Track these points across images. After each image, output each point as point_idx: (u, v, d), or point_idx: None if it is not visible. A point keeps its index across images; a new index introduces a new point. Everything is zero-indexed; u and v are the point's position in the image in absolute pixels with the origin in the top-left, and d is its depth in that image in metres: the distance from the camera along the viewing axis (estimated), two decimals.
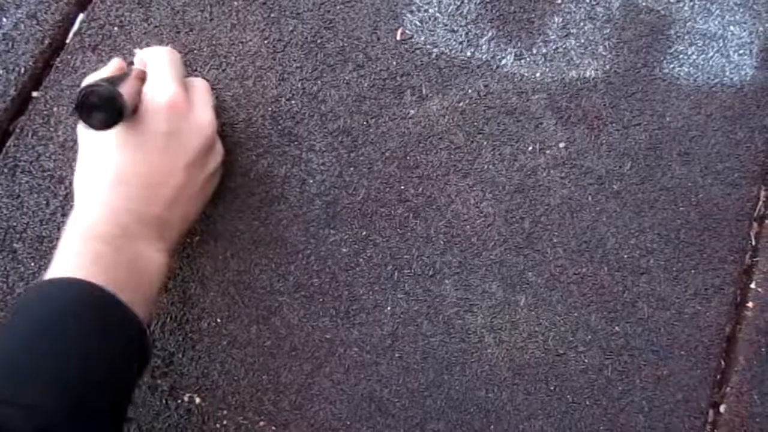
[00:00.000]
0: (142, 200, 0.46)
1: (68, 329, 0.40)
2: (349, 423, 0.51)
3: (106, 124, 0.43)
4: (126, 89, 0.45)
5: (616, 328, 0.52)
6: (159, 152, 0.47)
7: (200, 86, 0.52)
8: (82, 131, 0.49)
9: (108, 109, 0.43)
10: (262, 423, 0.51)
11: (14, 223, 0.55)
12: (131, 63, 0.53)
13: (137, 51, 0.53)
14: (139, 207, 0.46)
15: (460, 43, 0.58)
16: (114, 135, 0.46)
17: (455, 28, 0.59)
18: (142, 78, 0.49)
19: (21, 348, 0.39)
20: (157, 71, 0.49)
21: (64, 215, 0.55)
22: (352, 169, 0.55)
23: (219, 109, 0.56)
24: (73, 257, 0.43)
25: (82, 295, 0.41)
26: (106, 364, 0.41)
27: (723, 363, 0.52)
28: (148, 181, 0.46)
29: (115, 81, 0.45)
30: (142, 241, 0.46)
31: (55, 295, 0.41)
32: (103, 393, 0.40)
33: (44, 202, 0.55)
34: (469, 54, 0.58)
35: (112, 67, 0.51)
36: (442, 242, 0.54)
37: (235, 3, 0.60)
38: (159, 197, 0.47)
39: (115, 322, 0.42)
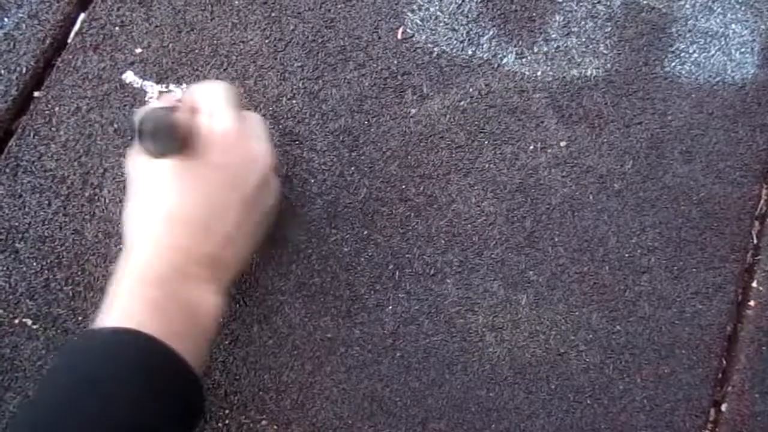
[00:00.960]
0: (197, 239, 0.44)
1: (119, 389, 0.37)
2: (350, 422, 0.51)
3: (164, 152, 0.42)
4: (183, 119, 0.44)
5: (618, 327, 0.52)
6: (214, 188, 0.45)
7: (254, 119, 0.49)
8: (136, 164, 0.47)
9: (166, 136, 0.42)
10: (264, 422, 0.51)
11: (16, 223, 0.55)
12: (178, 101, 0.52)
13: (188, 88, 0.51)
14: (192, 246, 0.43)
15: (461, 41, 0.58)
16: (168, 168, 0.44)
17: (456, 27, 0.59)
18: (194, 110, 0.47)
19: (56, 414, 0.36)
20: (213, 104, 0.47)
21: (66, 215, 0.55)
22: (353, 168, 0.56)
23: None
24: (124, 304, 0.41)
25: (134, 349, 0.38)
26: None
27: (724, 362, 0.52)
28: (202, 219, 0.44)
29: (169, 110, 0.44)
30: (196, 284, 0.43)
31: (103, 349, 0.38)
32: None
33: (46, 201, 0.55)
34: (470, 53, 0.58)
35: (163, 101, 0.49)
36: (443, 241, 0.54)
37: (236, 2, 0.60)
38: (214, 236, 0.44)
39: (167, 380, 0.39)
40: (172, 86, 0.58)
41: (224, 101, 0.47)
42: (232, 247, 0.46)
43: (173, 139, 0.42)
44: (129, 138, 0.42)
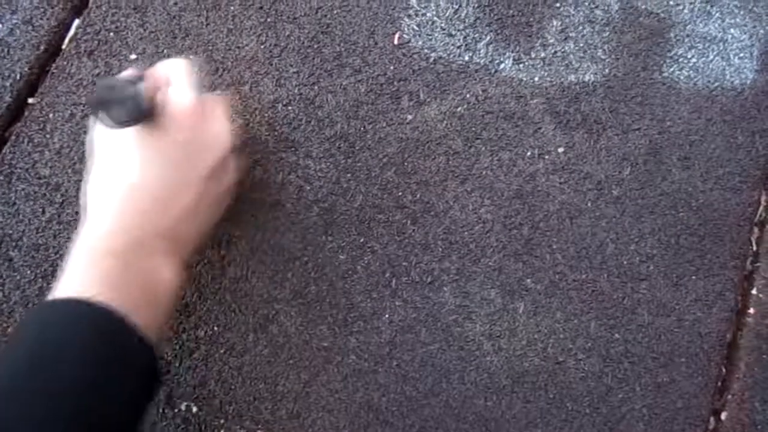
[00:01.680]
0: (157, 213, 0.44)
1: (67, 363, 0.37)
2: (347, 431, 0.50)
3: (125, 121, 0.42)
4: (148, 91, 0.44)
5: (616, 335, 0.52)
6: (176, 162, 0.45)
7: (217, 100, 0.50)
8: (98, 136, 0.47)
9: (128, 105, 0.41)
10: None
11: (10, 231, 0.54)
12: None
13: (158, 64, 0.51)
14: (153, 220, 0.44)
15: (458, 47, 0.58)
16: (130, 142, 0.45)
17: (453, 33, 0.58)
18: (158, 84, 0.48)
19: (12, 386, 0.36)
20: (176, 80, 0.47)
21: (60, 223, 0.54)
22: (349, 175, 0.55)
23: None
24: (82, 274, 0.41)
25: (87, 320, 0.39)
26: (111, 402, 0.38)
27: (724, 370, 0.52)
28: (163, 193, 0.45)
29: (132, 81, 0.44)
30: (156, 256, 0.44)
31: (56, 321, 0.39)
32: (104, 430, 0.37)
33: (40, 209, 0.55)
34: (467, 58, 0.58)
35: (129, 70, 0.49)
36: (440, 249, 0.54)
37: (232, 8, 0.60)
38: (174, 210, 0.45)
39: (124, 350, 0.39)
40: None
41: (187, 78, 0.48)
42: (191, 222, 0.46)
43: (135, 109, 0.42)
44: (91, 109, 0.42)
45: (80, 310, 0.39)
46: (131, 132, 0.44)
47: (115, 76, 0.46)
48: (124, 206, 0.44)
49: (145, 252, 0.43)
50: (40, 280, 0.53)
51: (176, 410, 0.51)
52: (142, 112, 0.43)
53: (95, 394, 0.37)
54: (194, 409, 0.51)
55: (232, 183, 0.51)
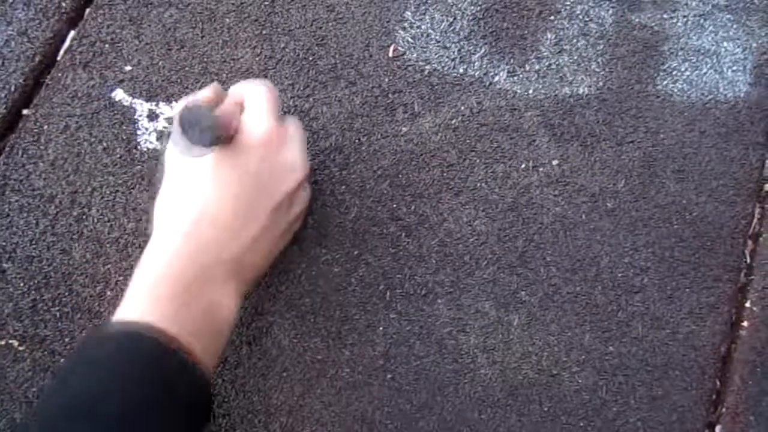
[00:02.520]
0: (223, 241, 0.44)
1: (118, 398, 0.36)
2: None
3: (204, 144, 0.41)
4: (225, 117, 0.44)
5: (611, 347, 0.52)
6: (247, 190, 0.45)
7: (294, 126, 0.49)
8: (173, 156, 0.47)
9: (207, 129, 0.41)
10: None
11: (3, 243, 0.54)
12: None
13: (234, 86, 0.50)
14: (218, 248, 0.43)
15: (453, 59, 0.58)
16: (204, 165, 0.44)
17: (448, 45, 0.59)
18: (239, 107, 0.47)
19: (66, 409, 0.36)
20: (255, 105, 0.47)
21: (54, 235, 0.54)
22: (343, 187, 0.55)
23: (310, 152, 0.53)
24: (145, 297, 0.41)
25: (146, 350, 0.38)
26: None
27: (718, 383, 0.52)
28: (230, 222, 0.44)
29: (211, 107, 0.43)
30: (218, 285, 0.43)
31: (114, 349, 0.38)
32: None
33: (34, 221, 0.55)
34: (461, 71, 0.58)
35: (208, 90, 0.48)
36: (434, 261, 0.53)
37: (227, 20, 0.60)
38: (241, 239, 0.44)
39: (181, 380, 0.39)
40: (161, 105, 0.57)
41: (267, 104, 0.47)
42: (257, 252, 0.46)
43: (213, 136, 0.42)
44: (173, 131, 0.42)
45: (140, 338, 0.38)
46: (207, 157, 0.44)
47: (194, 100, 0.45)
48: (191, 231, 0.43)
49: (209, 280, 0.43)
50: (33, 292, 0.53)
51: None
52: (218, 141, 0.42)
53: (153, 423, 0.37)
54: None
55: (302, 213, 0.50)
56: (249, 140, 0.45)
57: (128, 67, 0.59)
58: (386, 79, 0.58)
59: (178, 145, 0.42)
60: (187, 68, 0.58)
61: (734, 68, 0.57)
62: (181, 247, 0.43)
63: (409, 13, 0.59)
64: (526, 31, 0.59)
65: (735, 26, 0.58)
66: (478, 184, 0.55)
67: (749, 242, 0.54)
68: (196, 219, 0.44)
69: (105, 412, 0.36)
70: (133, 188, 0.55)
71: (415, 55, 0.58)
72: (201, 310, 0.42)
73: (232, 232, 0.44)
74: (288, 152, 0.47)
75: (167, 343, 0.39)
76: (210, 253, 0.43)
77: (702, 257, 0.53)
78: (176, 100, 0.57)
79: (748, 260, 0.54)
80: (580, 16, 0.59)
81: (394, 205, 0.55)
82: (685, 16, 0.59)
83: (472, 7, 0.59)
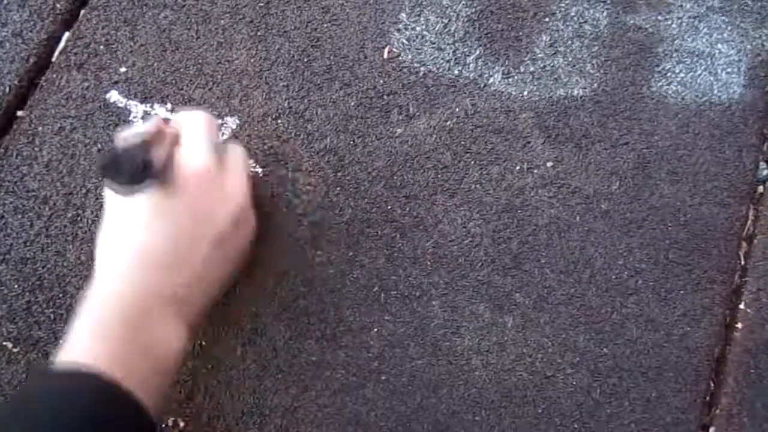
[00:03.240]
0: (164, 278, 0.43)
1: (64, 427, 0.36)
2: None
3: (130, 189, 0.41)
4: (158, 154, 0.43)
5: (605, 349, 0.52)
6: (185, 225, 0.44)
7: (235, 155, 0.49)
8: (108, 193, 0.46)
9: (135, 172, 0.41)
10: None
11: None
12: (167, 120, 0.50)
13: (176, 115, 0.50)
14: (159, 286, 0.43)
15: (448, 61, 0.58)
16: (138, 203, 0.44)
17: (442, 47, 0.59)
18: (174, 141, 0.46)
19: None
20: (191, 137, 0.46)
21: (49, 236, 0.54)
22: (338, 189, 0.55)
23: (253, 176, 0.53)
24: (88, 339, 0.40)
25: (89, 394, 0.37)
26: None
27: (712, 385, 0.52)
28: (169, 258, 0.43)
29: (146, 144, 0.43)
30: (160, 324, 0.42)
31: (57, 393, 0.37)
32: None
33: (28, 223, 0.55)
34: (456, 72, 0.58)
35: (149, 125, 0.47)
36: (429, 263, 0.53)
37: (222, 21, 0.60)
38: (181, 275, 0.44)
39: (122, 417, 0.38)
40: (156, 106, 0.57)
41: (204, 134, 0.47)
42: (200, 286, 0.45)
43: (137, 177, 0.41)
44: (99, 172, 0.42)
45: (83, 382, 0.38)
46: (141, 196, 0.43)
47: (124, 137, 0.44)
48: (131, 274, 0.43)
49: (151, 321, 0.42)
50: (27, 294, 0.53)
51: (163, 426, 0.51)
52: (150, 179, 0.42)
53: None
54: (181, 424, 0.51)
55: (248, 239, 0.49)
56: (185, 173, 0.44)
57: (123, 69, 0.59)
58: (381, 81, 0.58)
59: (110, 186, 0.42)
60: (182, 70, 0.58)
61: (728, 70, 0.57)
62: (118, 289, 0.42)
63: (404, 15, 0.59)
64: (520, 33, 0.59)
65: (729, 28, 0.58)
66: (473, 186, 0.55)
67: (743, 244, 0.55)
68: (133, 259, 0.43)
69: None
70: None
71: (410, 56, 0.58)
72: (141, 351, 0.41)
73: (169, 268, 0.43)
74: (227, 182, 0.46)
75: (106, 382, 0.38)
76: (148, 293, 0.42)
77: (696, 259, 0.53)
78: (171, 102, 0.57)
79: (742, 262, 0.54)
80: (575, 18, 0.59)
81: (389, 207, 0.55)
82: (679, 18, 0.59)
83: (467, 9, 0.59)
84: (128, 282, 0.43)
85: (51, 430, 0.36)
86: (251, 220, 0.49)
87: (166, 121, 0.49)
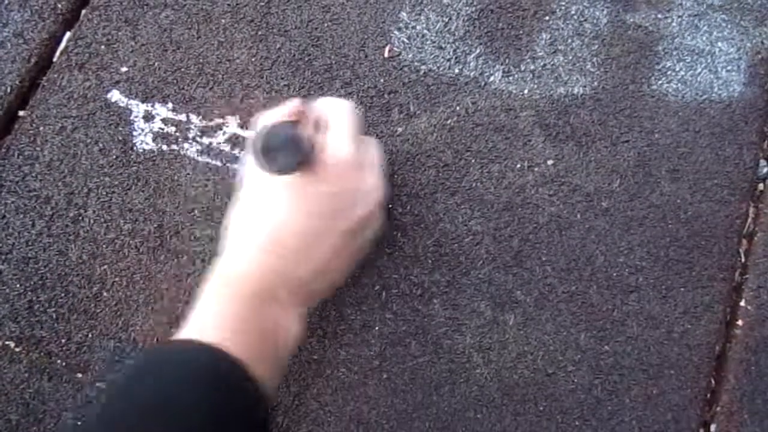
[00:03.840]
0: (294, 263, 0.43)
1: (184, 414, 0.35)
2: None
3: (286, 169, 0.41)
4: (307, 134, 0.43)
5: (606, 347, 0.52)
6: (321, 214, 0.44)
7: (373, 149, 0.48)
8: (250, 172, 0.46)
9: (290, 152, 0.41)
10: None
11: (0, 244, 0.54)
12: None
13: (318, 100, 0.49)
14: (288, 270, 0.43)
15: (448, 60, 0.58)
16: (281, 185, 0.43)
17: (443, 45, 0.59)
18: (317, 126, 0.46)
19: (126, 427, 0.35)
20: (338, 126, 0.46)
21: (50, 236, 0.54)
22: None
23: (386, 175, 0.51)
24: (211, 315, 0.41)
25: (209, 368, 0.37)
26: None
27: (713, 382, 0.52)
28: (303, 244, 0.43)
29: (291, 127, 0.43)
30: (282, 307, 0.43)
31: (177, 366, 0.37)
32: None
33: (30, 222, 0.55)
34: (457, 71, 0.58)
35: (290, 107, 0.46)
36: (430, 261, 0.54)
37: (223, 20, 0.60)
38: (310, 262, 0.44)
39: (243, 405, 0.37)
40: (157, 105, 0.57)
41: (351, 126, 0.46)
42: (325, 275, 0.45)
43: (293, 158, 0.41)
44: (254, 155, 0.41)
45: (203, 356, 0.38)
46: (285, 178, 0.43)
47: (278, 120, 0.44)
48: (263, 254, 0.43)
49: (275, 302, 0.42)
50: (29, 293, 0.53)
51: None
52: (304, 162, 0.42)
53: None
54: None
55: (372, 239, 0.49)
56: (330, 163, 0.44)
57: (124, 68, 0.59)
58: (382, 80, 0.58)
59: (260, 165, 0.42)
60: (183, 69, 0.59)
61: (728, 68, 0.57)
62: (249, 267, 0.43)
63: (405, 14, 0.59)
64: (521, 32, 0.59)
65: (729, 26, 0.59)
66: (474, 184, 0.55)
67: (744, 241, 0.55)
68: (267, 239, 0.43)
69: (175, 414, 0.35)
70: (129, 189, 0.55)
71: (410, 55, 0.58)
72: (262, 331, 0.41)
73: (302, 254, 0.43)
74: (368, 177, 0.46)
75: (229, 361, 0.38)
76: (277, 275, 0.43)
77: (697, 256, 0.54)
78: (173, 101, 0.58)
79: (743, 259, 0.54)
80: (575, 17, 0.59)
81: (390, 205, 0.55)
82: (679, 16, 0.59)
83: (468, 8, 0.60)
84: (257, 264, 0.43)
85: (177, 397, 0.36)
86: (380, 218, 0.49)
87: (306, 105, 0.48)
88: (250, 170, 0.46)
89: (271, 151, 0.41)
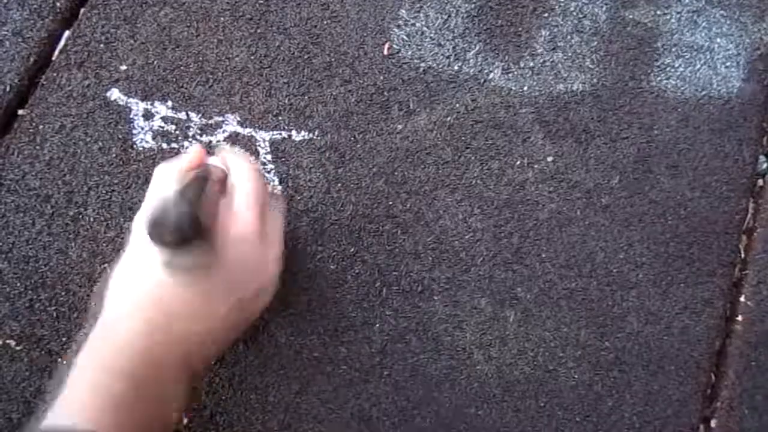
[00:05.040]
0: (180, 334, 0.39)
1: None
2: None
3: (175, 251, 0.38)
4: (207, 204, 0.39)
5: (606, 343, 0.52)
6: (215, 283, 0.40)
7: (276, 222, 0.46)
8: (138, 230, 0.42)
9: (185, 231, 0.37)
10: None
11: (0, 243, 0.54)
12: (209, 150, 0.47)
13: (221, 149, 0.46)
14: (173, 341, 0.39)
15: (448, 57, 0.58)
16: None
17: (442, 43, 0.59)
18: (222, 183, 0.43)
19: None
20: (241, 194, 0.43)
21: (50, 235, 0.54)
22: (339, 185, 0.55)
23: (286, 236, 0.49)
24: (84, 394, 0.37)
25: None
26: None
27: (713, 377, 0.52)
28: (191, 314, 0.40)
29: (195, 192, 0.39)
30: (166, 379, 0.39)
31: None
32: None
33: (30, 221, 0.55)
34: (456, 68, 0.58)
35: (192, 156, 0.43)
36: (430, 258, 0.54)
37: (222, 19, 0.60)
38: (198, 334, 0.40)
39: None
40: (157, 104, 0.57)
41: (255, 194, 0.43)
42: (213, 345, 0.43)
43: (188, 233, 0.37)
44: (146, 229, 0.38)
45: None
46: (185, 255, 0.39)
47: (177, 169, 0.41)
48: (145, 315, 0.39)
49: (157, 376, 0.39)
50: (29, 292, 0.53)
51: None
52: (198, 235, 0.38)
53: None
54: (185, 421, 0.51)
55: (262, 309, 0.45)
56: (230, 236, 0.41)
57: (123, 67, 0.59)
58: (381, 77, 0.58)
59: (152, 237, 0.38)
60: (182, 67, 0.59)
61: (727, 64, 0.58)
62: (129, 337, 0.38)
63: (404, 11, 0.59)
64: (520, 29, 0.59)
65: (728, 22, 0.59)
66: (474, 181, 0.55)
67: (743, 237, 0.55)
68: (149, 304, 0.39)
69: None
70: (129, 187, 0.55)
71: (409, 52, 0.58)
72: (143, 408, 0.38)
73: (189, 325, 0.40)
74: (268, 251, 0.43)
75: None
76: (161, 347, 0.39)
77: (696, 252, 0.54)
78: (172, 99, 0.57)
79: (743, 255, 0.54)
80: (574, 13, 0.59)
81: (390, 203, 0.55)
82: (678, 13, 0.59)
83: (467, 5, 0.60)
84: (140, 331, 0.39)
85: None
86: (274, 289, 0.45)
87: (209, 153, 0.45)
88: (139, 231, 0.42)
89: (165, 225, 0.37)
